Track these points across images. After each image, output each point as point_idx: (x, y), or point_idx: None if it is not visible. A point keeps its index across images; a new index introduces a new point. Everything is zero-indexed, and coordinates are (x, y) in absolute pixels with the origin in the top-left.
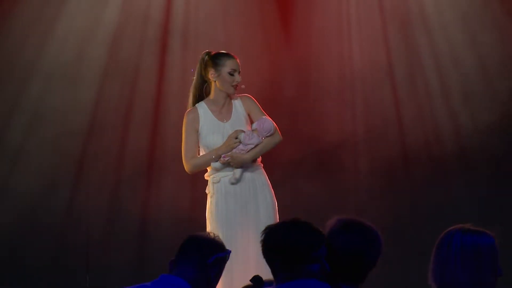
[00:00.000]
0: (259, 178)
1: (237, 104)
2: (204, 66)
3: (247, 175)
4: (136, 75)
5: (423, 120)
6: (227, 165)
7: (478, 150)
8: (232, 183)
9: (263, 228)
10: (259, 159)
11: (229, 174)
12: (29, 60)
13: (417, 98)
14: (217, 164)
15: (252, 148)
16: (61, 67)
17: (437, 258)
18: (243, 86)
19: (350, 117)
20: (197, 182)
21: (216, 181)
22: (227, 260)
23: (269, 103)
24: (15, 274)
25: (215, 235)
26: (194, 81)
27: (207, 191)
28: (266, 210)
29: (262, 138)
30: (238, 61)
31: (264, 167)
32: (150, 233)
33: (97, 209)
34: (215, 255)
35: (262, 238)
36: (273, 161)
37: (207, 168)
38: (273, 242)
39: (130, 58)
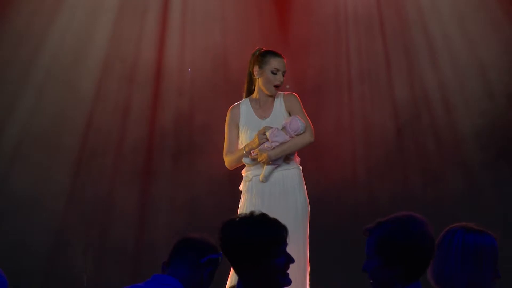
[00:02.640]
0: (291, 180)
1: (279, 102)
2: (253, 62)
3: (278, 176)
4: (135, 74)
5: (421, 119)
6: (256, 161)
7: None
8: (262, 181)
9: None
10: (298, 160)
11: (261, 173)
12: (28, 59)
13: (416, 97)
14: (247, 160)
15: (278, 146)
16: (60, 65)
17: (437, 254)
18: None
19: (348, 117)
20: (197, 182)
21: (248, 180)
22: (220, 263)
23: None
24: (13, 274)
25: (209, 236)
26: (247, 75)
27: (240, 188)
28: (295, 215)
29: (289, 137)
30: (284, 61)
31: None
32: (149, 233)
33: (96, 209)
34: (208, 255)
35: (221, 235)
36: None
37: (245, 165)
38: (236, 238)
39: (129, 55)
